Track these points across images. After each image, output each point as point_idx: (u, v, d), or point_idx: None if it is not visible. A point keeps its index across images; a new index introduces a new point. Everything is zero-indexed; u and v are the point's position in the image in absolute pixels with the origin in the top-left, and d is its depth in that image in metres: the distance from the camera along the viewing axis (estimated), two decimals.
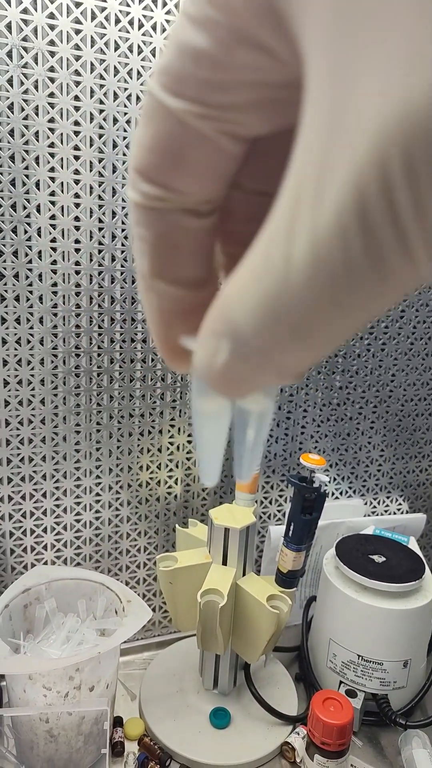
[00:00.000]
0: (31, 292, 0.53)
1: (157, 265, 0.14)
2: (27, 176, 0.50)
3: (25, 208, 0.51)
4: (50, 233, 0.52)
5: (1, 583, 0.60)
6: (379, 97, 0.09)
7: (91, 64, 0.50)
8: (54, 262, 0.53)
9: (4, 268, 0.52)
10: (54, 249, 0.53)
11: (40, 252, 0.52)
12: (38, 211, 0.51)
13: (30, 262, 0.52)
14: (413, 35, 0.08)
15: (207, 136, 0.12)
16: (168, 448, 0.63)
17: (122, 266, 0.56)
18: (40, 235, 0.52)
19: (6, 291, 0.52)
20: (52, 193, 0.52)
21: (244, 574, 0.55)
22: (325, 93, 0.10)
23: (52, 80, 0.49)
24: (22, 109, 0.49)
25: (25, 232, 0.52)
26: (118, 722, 0.56)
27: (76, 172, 0.52)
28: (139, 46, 0.51)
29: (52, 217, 0.52)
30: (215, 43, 0.10)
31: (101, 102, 0.51)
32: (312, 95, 0.10)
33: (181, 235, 0.13)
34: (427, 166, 0.08)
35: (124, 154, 0.53)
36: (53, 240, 0.53)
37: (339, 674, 0.59)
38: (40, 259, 0.53)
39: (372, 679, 0.58)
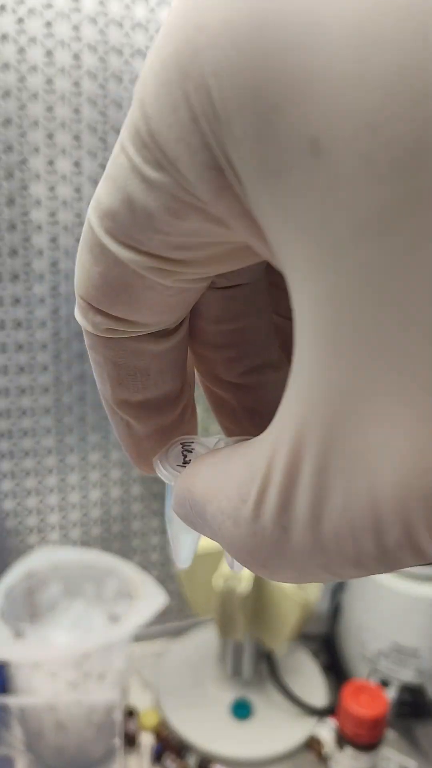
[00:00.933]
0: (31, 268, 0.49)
1: (119, 391, 0.12)
2: (21, 143, 0.46)
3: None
4: (51, 230, 0.48)
5: (4, 565, 0.56)
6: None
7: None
8: (54, 239, 0.49)
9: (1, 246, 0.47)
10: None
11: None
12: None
13: (27, 239, 0.48)
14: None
15: (161, 284, 0.10)
16: None
17: None
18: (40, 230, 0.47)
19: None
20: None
21: None
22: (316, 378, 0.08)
23: (50, 36, 0.44)
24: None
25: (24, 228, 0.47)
26: (132, 713, 0.52)
27: (76, 137, 0.47)
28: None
29: (52, 213, 0.47)
30: (165, 210, 0.09)
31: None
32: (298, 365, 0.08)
33: (145, 359, 0.12)
34: None
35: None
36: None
37: (371, 663, 0.55)
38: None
39: (406, 667, 0.53)
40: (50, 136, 0.46)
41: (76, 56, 0.45)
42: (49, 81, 0.45)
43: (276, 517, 0.09)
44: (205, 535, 0.11)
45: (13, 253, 0.48)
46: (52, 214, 0.48)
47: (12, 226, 0.48)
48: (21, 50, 0.44)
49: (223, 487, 0.10)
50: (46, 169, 0.47)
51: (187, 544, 0.15)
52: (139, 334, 0.11)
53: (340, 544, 0.08)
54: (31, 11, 0.44)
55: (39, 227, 0.48)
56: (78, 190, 0.48)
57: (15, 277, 0.49)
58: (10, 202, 0.47)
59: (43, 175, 0.47)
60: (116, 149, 0.09)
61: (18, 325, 0.50)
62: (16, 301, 0.49)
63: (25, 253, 0.49)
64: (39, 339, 0.51)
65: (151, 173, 0.09)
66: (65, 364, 0.52)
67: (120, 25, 0.46)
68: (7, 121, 0.45)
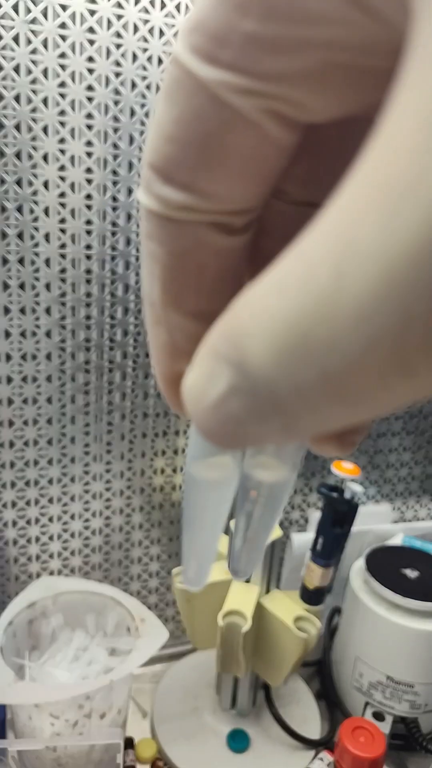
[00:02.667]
0: (37, 279, 0.48)
1: (171, 292, 0.11)
2: (34, 148, 0.44)
3: (31, 184, 0.45)
4: (59, 213, 0.47)
5: (5, 593, 0.56)
6: None
7: (108, 20, 0.44)
8: (63, 246, 0.48)
9: (8, 252, 0.46)
10: (63, 231, 0.47)
11: (47, 234, 0.47)
12: (46, 187, 0.46)
13: (36, 245, 0.47)
14: None
15: (249, 120, 0.08)
16: (184, 451, 0.58)
17: (138, 251, 0.50)
18: (48, 215, 0.46)
19: (10, 278, 0.47)
20: (62, 168, 0.46)
21: (267, 591, 0.51)
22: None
23: (64, 38, 0.43)
24: (30, 72, 0.43)
25: (32, 211, 0.46)
26: (129, 743, 0.52)
27: (89, 143, 0.46)
28: (162, 1, 0.45)
29: (62, 194, 0.46)
30: None
31: (118, 64, 0.45)
32: (414, 70, 0.06)
33: (206, 256, 0.10)
34: None
35: (143, 123, 0.47)
36: (62, 221, 0.47)
37: (365, 695, 0.55)
38: (48, 242, 0.47)
39: (401, 701, 0.54)
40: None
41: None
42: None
43: None
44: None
45: (21, 288, 0.47)
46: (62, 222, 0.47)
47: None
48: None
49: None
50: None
51: (204, 551, 0.13)
52: (208, 219, 0.10)
53: None
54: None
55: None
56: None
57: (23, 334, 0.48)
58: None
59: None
60: None
61: (23, 357, 0.49)
62: (22, 334, 0.49)
63: (33, 288, 0.48)
64: (43, 372, 0.50)
65: None
66: (69, 395, 0.52)
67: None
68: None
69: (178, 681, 0.59)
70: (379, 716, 0.54)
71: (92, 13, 0.43)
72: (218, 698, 0.55)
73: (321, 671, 0.62)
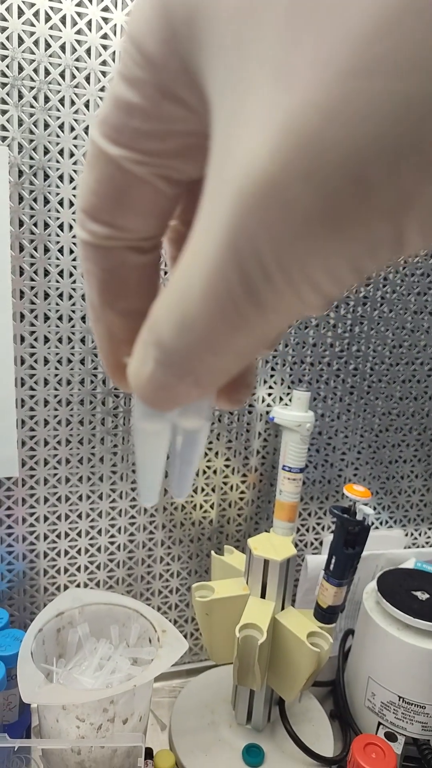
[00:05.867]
0: (73, 311, 0.52)
1: (105, 297, 0.15)
2: (51, 193, 0.50)
3: (71, 228, 0.50)
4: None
5: (34, 604, 0.59)
6: (245, 146, 0.10)
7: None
8: None
9: (49, 288, 0.51)
10: None
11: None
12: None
13: (74, 282, 0.52)
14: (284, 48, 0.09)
15: (144, 180, 0.13)
16: (205, 472, 0.62)
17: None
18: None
19: (50, 310, 0.52)
20: None
21: (282, 608, 0.53)
22: (215, 146, 0.11)
23: (79, 69, 0.49)
24: (48, 72, 0.48)
25: (71, 252, 0.51)
26: (148, 754, 0.54)
27: None
28: None
29: None
30: (143, 98, 0.12)
31: None
32: (210, 147, 0.11)
33: (127, 270, 0.14)
34: (280, 218, 0.10)
35: None
36: None
37: (378, 715, 0.57)
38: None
39: (413, 722, 0.55)
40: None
41: None
42: None
43: None
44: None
45: (45, 317, 0.52)
46: None
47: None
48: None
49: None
50: None
51: (152, 479, 0.17)
52: (125, 244, 0.14)
53: None
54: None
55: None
56: None
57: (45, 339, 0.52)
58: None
59: None
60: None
61: (59, 382, 0.54)
62: (57, 360, 0.53)
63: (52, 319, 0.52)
64: (76, 396, 0.54)
65: (131, 73, 0.12)
66: (99, 418, 0.56)
67: None
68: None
69: (195, 695, 0.61)
70: (391, 737, 0.56)
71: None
72: (234, 713, 0.57)
73: (334, 691, 0.63)
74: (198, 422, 0.15)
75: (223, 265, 0.11)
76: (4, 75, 0.46)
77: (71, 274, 0.52)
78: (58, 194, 0.49)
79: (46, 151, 0.48)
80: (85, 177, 0.13)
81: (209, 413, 0.15)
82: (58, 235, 0.50)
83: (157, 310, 0.13)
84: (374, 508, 0.70)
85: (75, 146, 0.49)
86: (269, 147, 0.09)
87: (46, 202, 0.49)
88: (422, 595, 0.58)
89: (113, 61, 0.48)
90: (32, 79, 0.47)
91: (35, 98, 0.47)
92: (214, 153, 0.11)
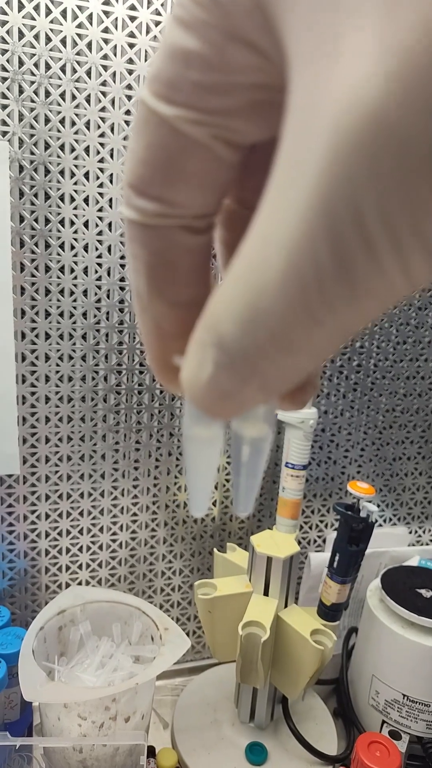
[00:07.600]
0: (75, 308, 0.52)
1: (153, 285, 0.13)
2: (76, 191, 0.49)
3: (73, 224, 0.50)
4: (96, 249, 0.51)
5: (35, 602, 0.59)
6: (344, 82, 0.08)
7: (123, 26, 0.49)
8: (99, 278, 0.52)
9: (50, 284, 0.51)
10: (99, 265, 0.52)
11: (86, 268, 0.51)
12: (86, 227, 0.51)
13: (75, 278, 0.52)
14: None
15: (201, 144, 0.11)
16: None
17: None
18: (87, 252, 0.51)
19: (51, 306, 0.51)
20: (101, 209, 0.51)
21: (285, 606, 0.53)
22: (299, 90, 0.09)
23: (80, 64, 0.48)
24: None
25: (72, 248, 0.51)
26: (150, 752, 0.54)
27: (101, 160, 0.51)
28: None
29: (99, 233, 0.51)
30: (205, 44, 0.10)
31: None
32: (290, 94, 0.09)
33: (178, 253, 0.13)
34: (393, 165, 0.08)
35: None
36: (99, 256, 0.52)
37: (382, 713, 0.56)
38: (86, 276, 0.52)
39: (418, 720, 0.54)
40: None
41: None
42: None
43: None
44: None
45: (47, 315, 0.52)
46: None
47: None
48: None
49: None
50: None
51: (202, 488, 0.15)
52: (177, 223, 0.12)
53: None
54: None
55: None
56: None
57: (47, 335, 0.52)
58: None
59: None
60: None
61: (60, 379, 0.53)
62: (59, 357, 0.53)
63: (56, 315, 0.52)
64: (77, 392, 0.54)
65: (190, 15, 0.10)
66: (101, 414, 0.56)
67: None
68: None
69: (198, 694, 0.61)
70: (395, 735, 0.55)
71: (108, 15, 0.49)
72: (237, 711, 0.57)
73: (338, 689, 0.63)
74: (263, 430, 0.13)
75: (311, 233, 0.09)
76: (5, 69, 0.46)
77: (72, 271, 0.51)
78: (59, 190, 0.49)
79: (47, 146, 0.48)
80: (131, 147, 0.12)
81: (274, 419, 0.13)
82: (59, 231, 0.50)
83: (216, 304, 0.11)
84: (378, 506, 0.70)
85: (76, 141, 0.49)
86: (381, 72, 0.08)
87: (47, 197, 0.49)
88: (426, 593, 0.58)
89: (115, 55, 0.48)
90: (33, 74, 0.46)
91: (36, 93, 0.47)
92: (296, 101, 0.09)
